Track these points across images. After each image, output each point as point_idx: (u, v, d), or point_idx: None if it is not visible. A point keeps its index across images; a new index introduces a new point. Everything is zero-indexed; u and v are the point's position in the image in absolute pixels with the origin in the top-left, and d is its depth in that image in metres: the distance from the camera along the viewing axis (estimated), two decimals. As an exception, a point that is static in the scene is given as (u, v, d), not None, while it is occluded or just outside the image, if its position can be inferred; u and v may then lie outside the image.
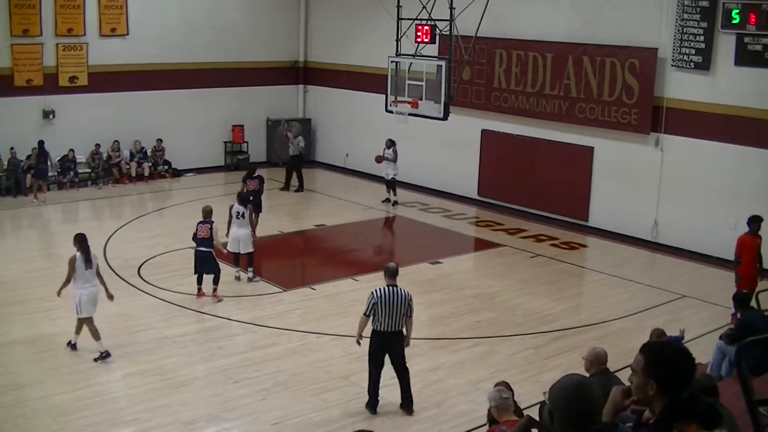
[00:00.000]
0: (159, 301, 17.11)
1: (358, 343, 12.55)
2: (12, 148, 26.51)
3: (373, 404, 12.45)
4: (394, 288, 12.21)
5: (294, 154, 28.09)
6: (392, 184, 25.90)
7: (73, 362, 14.24)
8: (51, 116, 27.53)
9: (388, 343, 12.25)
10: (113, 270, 19.02)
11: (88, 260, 14.30)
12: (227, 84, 30.58)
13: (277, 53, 31.91)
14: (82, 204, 26.12)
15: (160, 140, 29.28)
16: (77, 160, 27.75)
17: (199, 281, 17.35)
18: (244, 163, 29.68)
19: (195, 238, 17.24)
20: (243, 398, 12.96)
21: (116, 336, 15.39)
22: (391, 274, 12.40)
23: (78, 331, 14.52)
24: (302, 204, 26.25)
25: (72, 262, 14.23)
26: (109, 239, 21.48)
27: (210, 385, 13.43)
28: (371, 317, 12.19)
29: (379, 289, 12.19)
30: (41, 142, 26.58)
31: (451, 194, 26.64)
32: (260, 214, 21.34)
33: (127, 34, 28.74)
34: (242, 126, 31.04)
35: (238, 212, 18.26)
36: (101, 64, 28.18)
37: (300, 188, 27.64)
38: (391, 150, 25.64)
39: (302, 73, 32.61)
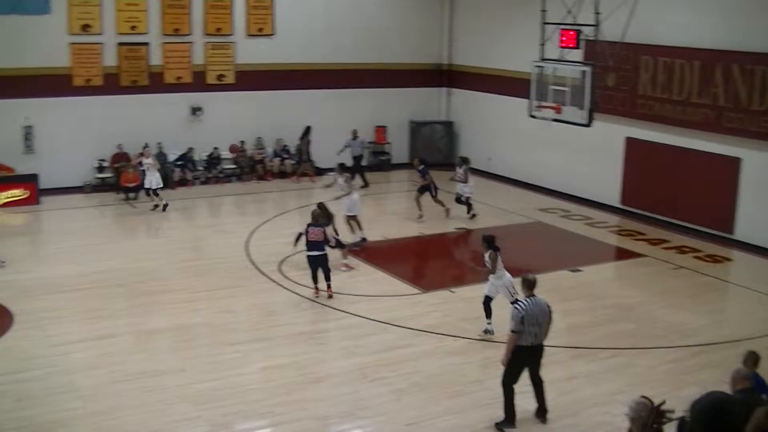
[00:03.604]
0: (299, 297, 17.36)
1: (504, 364, 12.05)
2: (159, 143, 27.41)
3: (511, 420, 12.10)
4: (535, 298, 12.04)
5: (357, 155, 28.98)
6: (466, 202, 24.58)
7: (212, 352, 14.60)
8: (198, 113, 28.30)
9: (529, 358, 12.06)
10: (255, 265, 19.41)
11: None
12: (371, 85, 30.89)
13: (421, 55, 32.04)
14: (226, 199, 26.82)
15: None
16: (222, 156, 28.49)
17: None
18: (386, 163, 30.04)
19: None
20: (378, 397, 13.03)
21: (255, 330, 15.75)
22: (530, 285, 12.13)
23: None
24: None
25: None
26: (251, 234, 21.91)
27: (346, 383, 13.55)
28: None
29: (523, 302, 11.90)
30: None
31: (593, 202, 26.23)
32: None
33: (274, 34, 29.31)
34: (385, 127, 31.27)
35: None
36: (248, 63, 28.87)
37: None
38: (462, 169, 24.50)
39: (446, 76, 32.65)
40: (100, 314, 16.36)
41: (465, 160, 24.76)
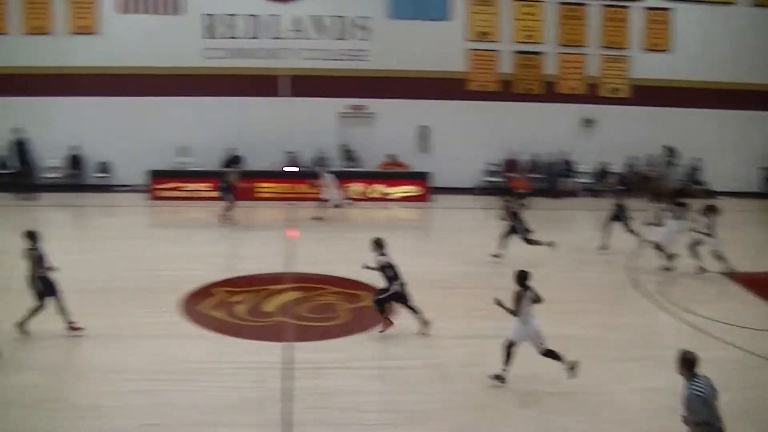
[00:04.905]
0: (677, 321, 16.74)
1: None
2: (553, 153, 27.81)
3: None
4: (702, 379, 9.84)
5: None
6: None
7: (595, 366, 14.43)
8: (590, 125, 28.27)
9: None
10: (636, 283, 18.99)
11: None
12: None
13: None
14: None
15: (697, 159, 28.88)
16: (611, 170, 28.35)
17: None
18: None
19: None
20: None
21: (630, 349, 15.34)
22: (691, 365, 9.84)
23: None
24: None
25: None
26: (634, 253, 21.47)
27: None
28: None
29: (700, 384, 9.80)
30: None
31: None
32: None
33: (670, 49, 28.68)
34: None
35: None
36: (643, 78, 28.47)
37: None
38: (709, 219, 19.96)
39: None
40: (478, 314, 16.64)
41: (712, 208, 20.08)
